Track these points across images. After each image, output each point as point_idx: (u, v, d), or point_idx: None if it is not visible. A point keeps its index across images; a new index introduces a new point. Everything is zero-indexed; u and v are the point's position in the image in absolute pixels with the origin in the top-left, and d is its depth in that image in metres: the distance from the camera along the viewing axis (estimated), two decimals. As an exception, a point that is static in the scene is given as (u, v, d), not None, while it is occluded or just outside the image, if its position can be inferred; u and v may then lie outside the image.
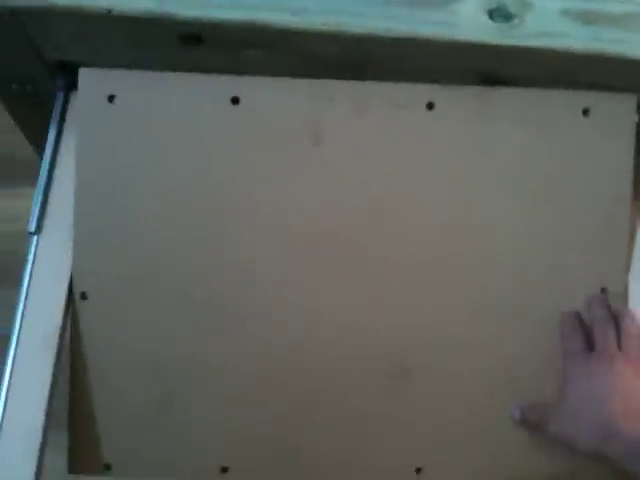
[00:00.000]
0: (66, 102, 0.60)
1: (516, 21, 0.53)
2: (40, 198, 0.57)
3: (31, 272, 0.55)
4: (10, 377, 0.53)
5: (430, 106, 0.55)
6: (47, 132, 0.60)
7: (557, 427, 0.55)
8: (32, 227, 0.56)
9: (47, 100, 0.61)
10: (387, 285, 0.57)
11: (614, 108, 0.56)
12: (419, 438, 0.58)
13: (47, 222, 0.57)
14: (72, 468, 0.57)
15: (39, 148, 0.70)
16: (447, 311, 0.57)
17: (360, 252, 0.56)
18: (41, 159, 0.59)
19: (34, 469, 0.51)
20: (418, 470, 0.58)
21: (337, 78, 0.56)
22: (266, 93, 0.55)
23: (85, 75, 0.55)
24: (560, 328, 0.57)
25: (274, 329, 0.57)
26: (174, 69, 0.56)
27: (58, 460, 0.55)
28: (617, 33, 0.53)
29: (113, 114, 0.55)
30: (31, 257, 0.56)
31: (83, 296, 0.56)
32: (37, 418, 0.52)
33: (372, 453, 0.58)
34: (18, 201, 1.18)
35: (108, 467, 0.57)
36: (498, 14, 0.53)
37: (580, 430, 0.54)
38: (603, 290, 0.57)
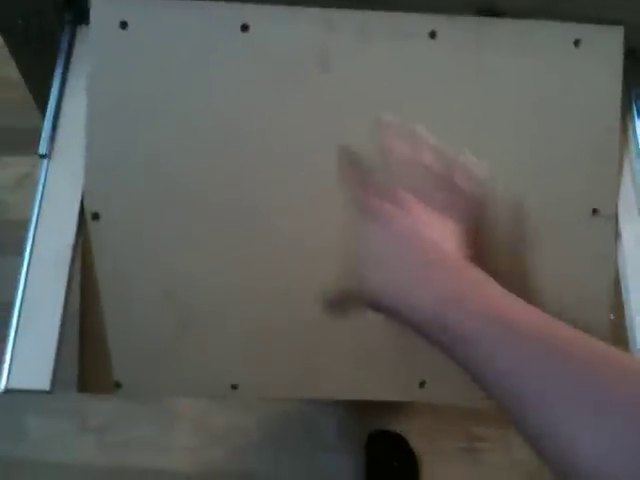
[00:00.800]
0: (73, 36, 0.62)
1: (513, -48, 0.56)
2: (50, 122, 0.58)
3: (42, 194, 0.56)
4: (22, 296, 0.54)
5: (432, 35, 0.58)
6: (51, 67, 0.61)
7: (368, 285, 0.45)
8: (43, 150, 0.57)
9: (51, 37, 0.62)
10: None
11: (603, 39, 0.59)
12: (422, 352, 0.60)
13: (57, 146, 0.58)
14: (81, 386, 0.58)
15: (38, 87, 0.71)
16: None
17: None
18: (48, 93, 0.60)
19: (49, 383, 0.51)
20: (422, 384, 0.60)
21: (345, 7, 0.58)
22: (275, 21, 0.57)
23: (98, 1, 0.56)
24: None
25: (288, 253, 0.58)
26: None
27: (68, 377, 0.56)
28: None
29: (125, 40, 0.56)
30: (42, 180, 0.57)
31: (95, 216, 0.57)
32: (51, 335, 0.53)
33: (377, 367, 0.60)
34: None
35: (118, 385, 0.58)
36: (496, -55, 0.56)
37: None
38: (595, 211, 0.60)
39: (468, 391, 0.61)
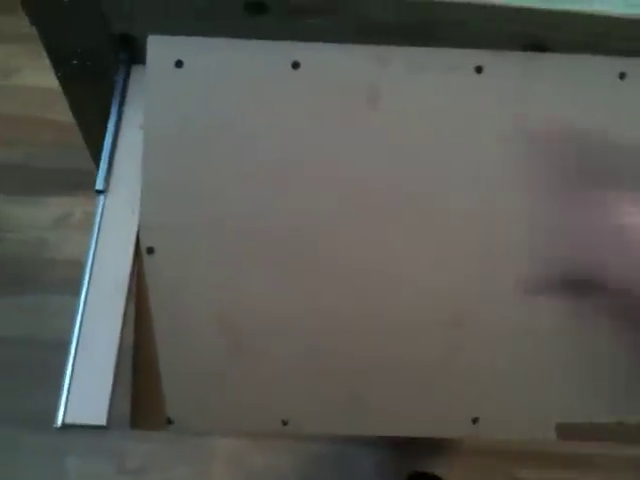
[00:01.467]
0: (127, 75, 0.64)
1: (559, -11, 0.57)
2: (107, 158, 0.59)
3: (98, 230, 0.57)
4: (79, 330, 0.54)
5: (479, 70, 0.59)
6: (102, 106, 0.63)
7: None
8: (100, 186, 0.58)
9: (106, 77, 0.65)
10: (443, 240, 0.59)
11: (649, 72, 0.60)
12: (475, 388, 0.59)
13: (113, 181, 0.59)
14: (134, 422, 0.57)
15: (90, 127, 0.73)
16: (498, 261, 0.59)
17: (418, 209, 0.59)
18: (104, 130, 0.62)
19: (105, 418, 0.51)
20: (475, 420, 0.59)
21: (393, 44, 0.59)
22: (325, 58, 0.59)
23: (154, 42, 0.58)
24: None
25: (338, 282, 0.59)
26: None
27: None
28: (652, 0, 0.58)
29: (181, 78, 0.58)
30: (98, 216, 0.58)
31: (150, 251, 0.57)
32: (107, 369, 0.53)
33: (430, 404, 0.59)
34: (29, 208, 1.21)
35: (170, 421, 0.58)
36: (542, -17, 0.57)
37: None
38: None
39: (521, 426, 0.61)
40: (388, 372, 0.59)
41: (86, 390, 0.52)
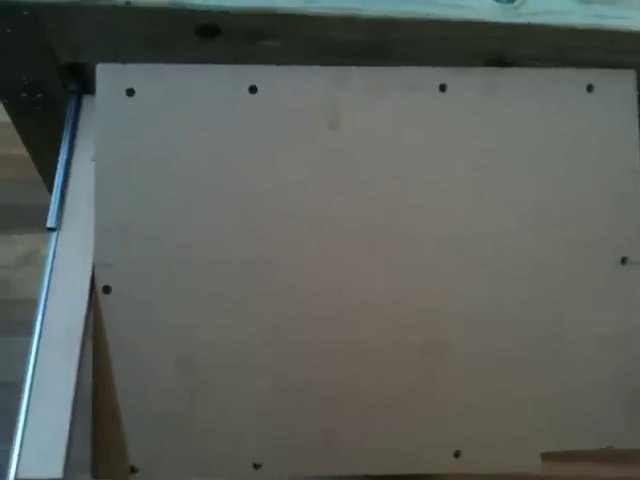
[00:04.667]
0: (79, 106, 0.61)
1: (519, 2, 0.56)
2: (58, 195, 0.56)
3: (51, 269, 0.54)
4: (33, 374, 0.51)
5: (442, 88, 0.57)
6: (55, 138, 0.61)
7: None
8: (51, 223, 0.55)
9: (55, 108, 0.62)
10: (414, 263, 0.57)
11: (616, 83, 0.58)
12: (456, 420, 0.57)
13: (65, 218, 0.56)
14: (95, 472, 0.54)
15: (45, 161, 0.70)
16: (475, 286, 0.57)
17: (384, 230, 0.57)
18: (55, 165, 0.59)
19: (61, 471, 0.48)
20: (457, 453, 0.56)
21: (353, 64, 0.57)
22: (283, 81, 0.57)
23: (103, 70, 0.56)
24: None
25: (304, 312, 0.56)
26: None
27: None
28: (613, 10, 0.57)
29: (132, 107, 0.56)
30: (51, 253, 0.55)
31: (106, 290, 0.54)
32: (63, 415, 0.50)
33: (409, 438, 0.56)
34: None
35: (134, 470, 0.54)
36: (502, -4, 0.56)
37: None
38: (624, 260, 0.58)
39: (505, 457, 0.58)
40: (362, 405, 0.56)
41: (41, 442, 0.49)
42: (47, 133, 0.64)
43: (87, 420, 0.55)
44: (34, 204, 0.79)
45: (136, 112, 0.56)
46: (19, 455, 0.48)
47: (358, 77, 0.57)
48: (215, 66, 0.56)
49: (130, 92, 0.56)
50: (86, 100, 0.61)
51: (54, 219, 0.56)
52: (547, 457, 0.58)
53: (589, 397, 0.58)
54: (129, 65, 0.56)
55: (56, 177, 0.57)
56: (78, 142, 0.59)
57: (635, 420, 0.58)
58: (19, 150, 0.75)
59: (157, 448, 0.55)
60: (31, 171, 0.78)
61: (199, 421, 0.55)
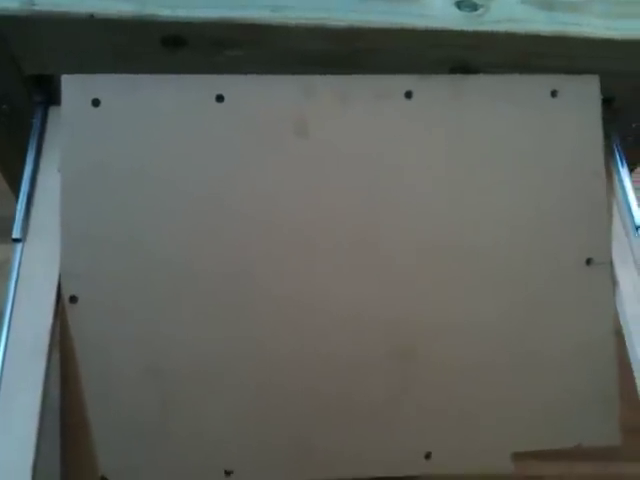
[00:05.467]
0: (45, 116, 0.61)
1: (481, 10, 0.56)
2: (24, 206, 0.56)
3: (17, 279, 0.54)
4: (-1, 384, 0.51)
5: (408, 95, 0.58)
6: (22, 149, 0.60)
7: None
8: (17, 234, 0.55)
9: (22, 119, 0.62)
10: (385, 271, 0.57)
11: (580, 88, 0.59)
12: (426, 422, 0.57)
13: (31, 229, 0.56)
14: (65, 484, 0.54)
15: (12, 172, 0.70)
16: (443, 292, 0.58)
17: (354, 239, 0.57)
18: (21, 176, 0.59)
19: (29, 477, 0.48)
20: (427, 455, 0.57)
21: (319, 73, 0.58)
22: (250, 90, 0.57)
23: (68, 81, 0.55)
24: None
25: (274, 324, 0.56)
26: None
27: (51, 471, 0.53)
28: (574, 17, 0.57)
29: (98, 118, 0.55)
30: (16, 264, 0.55)
31: (73, 300, 0.54)
32: (30, 427, 0.49)
33: (380, 442, 0.57)
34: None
35: (104, 480, 0.54)
36: (465, 5, 0.56)
37: None
38: (589, 260, 0.59)
39: (476, 458, 0.59)
40: (334, 411, 0.56)
41: (7, 452, 0.49)
42: (14, 144, 0.64)
43: (56, 431, 0.55)
44: (5, 215, 0.79)
45: (102, 122, 0.56)
46: (-15, 471, 0.48)
47: (324, 86, 0.57)
48: (181, 76, 0.56)
49: (96, 102, 0.55)
50: (52, 111, 0.60)
51: (19, 230, 0.55)
52: (524, 457, 0.59)
53: (558, 398, 0.59)
54: (94, 75, 0.56)
55: (22, 188, 0.57)
56: (44, 153, 0.59)
57: (603, 419, 0.59)
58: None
59: (127, 457, 0.55)
60: (1, 182, 0.78)
61: (170, 430, 0.55)
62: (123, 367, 0.55)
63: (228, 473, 0.55)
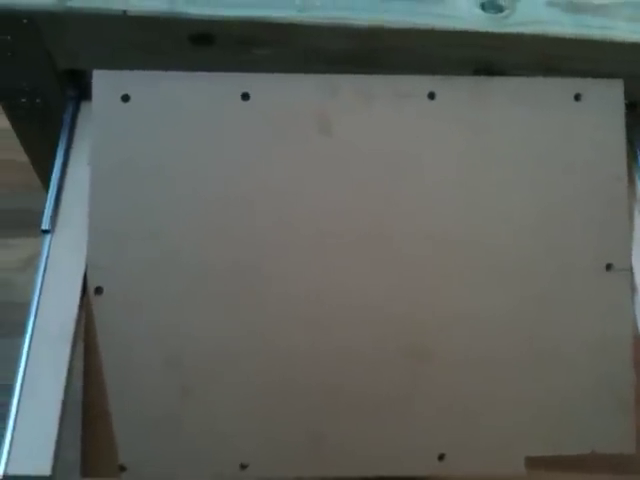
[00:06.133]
0: (76, 111, 0.62)
1: (507, 12, 0.57)
2: (53, 198, 0.58)
3: (44, 270, 0.55)
4: (23, 376, 0.52)
5: (431, 96, 0.58)
6: (54, 143, 0.62)
7: None
8: (45, 225, 0.57)
9: (54, 114, 0.63)
10: (402, 268, 0.58)
11: (603, 92, 0.59)
12: (440, 422, 0.57)
13: (59, 221, 0.57)
14: (85, 471, 0.55)
15: (43, 165, 0.71)
16: (459, 288, 0.58)
17: (374, 236, 0.58)
18: (51, 168, 0.61)
19: (51, 464, 0.49)
20: (441, 456, 0.57)
21: (342, 72, 0.58)
22: (275, 88, 0.58)
23: (99, 76, 0.57)
24: None
25: (289, 319, 0.57)
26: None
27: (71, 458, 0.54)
28: (601, 20, 0.57)
29: (127, 113, 0.57)
30: (44, 256, 0.56)
31: (98, 291, 0.55)
32: (53, 415, 0.50)
33: (394, 441, 0.57)
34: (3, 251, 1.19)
35: (123, 468, 0.55)
36: (490, 6, 0.57)
37: None
38: (609, 266, 0.59)
39: (489, 461, 0.59)
40: (348, 408, 0.57)
41: (30, 439, 0.50)
42: (46, 138, 0.65)
43: (78, 421, 0.56)
44: (37, 209, 0.81)
45: (131, 118, 0.57)
46: (9, 452, 0.49)
47: (348, 85, 0.58)
48: (208, 74, 0.57)
49: (125, 98, 0.57)
50: (84, 106, 0.62)
51: (48, 222, 0.57)
52: (535, 465, 0.59)
53: (573, 402, 0.58)
54: (125, 72, 0.57)
55: (52, 181, 0.59)
56: (75, 147, 0.60)
57: (618, 425, 0.58)
58: (22, 156, 0.76)
59: (146, 447, 0.56)
60: (35, 176, 0.79)
61: (187, 421, 0.56)
62: (143, 358, 0.56)
63: (244, 467, 0.56)
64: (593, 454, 0.58)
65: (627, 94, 0.60)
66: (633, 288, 0.60)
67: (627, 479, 1.06)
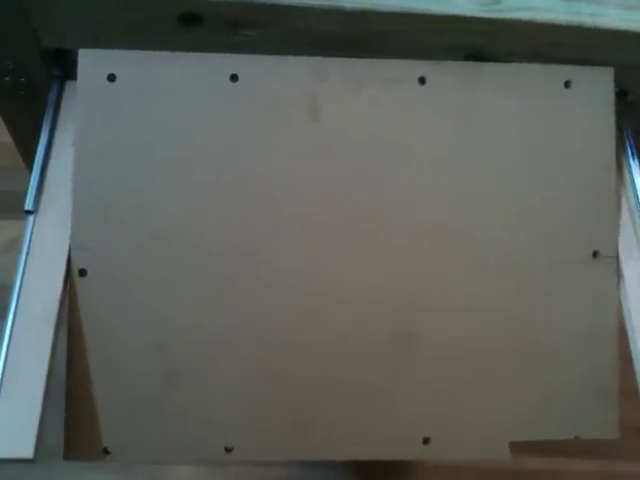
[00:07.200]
0: (61, 91, 0.61)
1: (499, -3, 0.56)
2: (37, 178, 0.57)
3: (27, 251, 0.55)
4: (5, 358, 0.51)
5: (422, 81, 0.58)
6: (39, 123, 0.61)
7: None
8: (29, 206, 0.56)
9: (39, 93, 0.62)
10: (388, 253, 0.58)
11: (594, 80, 0.59)
12: (426, 407, 0.57)
13: (43, 202, 0.57)
14: (68, 453, 0.54)
15: (27, 146, 0.70)
16: (446, 276, 0.58)
17: (364, 224, 0.57)
18: (35, 149, 0.60)
19: (32, 451, 0.48)
20: (426, 440, 0.57)
21: (332, 56, 0.58)
22: (264, 70, 0.57)
23: (85, 55, 0.56)
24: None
25: (277, 306, 0.57)
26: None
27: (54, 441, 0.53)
28: (592, 8, 0.57)
29: (113, 93, 0.56)
30: (27, 237, 0.55)
31: (82, 273, 0.55)
32: (36, 397, 0.50)
33: (379, 425, 0.57)
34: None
35: (106, 451, 0.55)
36: (482, -8, 0.56)
37: None
38: (595, 253, 0.59)
39: (474, 445, 0.59)
40: (334, 393, 0.57)
41: (12, 422, 0.49)
42: (30, 118, 0.64)
43: (61, 404, 0.56)
44: (20, 191, 0.80)
45: (117, 98, 0.56)
46: (-10, 436, 0.49)
47: (337, 69, 0.57)
48: (197, 54, 0.57)
49: (111, 77, 0.56)
50: (68, 85, 0.61)
51: (32, 202, 0.56)
52: (519, 450, 0.59)
53: (557, 389, 0.59)
54: (111, 51, 0.56)
55: (35, 161, 0.58)
56: (59, 127, 0.59)
57: (602, 411, 0.59)
58: (5, 137, 0.75)
59: (130, 430, 0.55)
60: (18, 157, 0.78)
61: (172, 405, 0.56)
62: (129, 341, 0.55)
63: (228, 450, 0.56)
64: (577, 439, 0.58)
65: (617, 82, 0.60)
66: (619, 275, 0.60)
67: (603, 464, 1.08)
